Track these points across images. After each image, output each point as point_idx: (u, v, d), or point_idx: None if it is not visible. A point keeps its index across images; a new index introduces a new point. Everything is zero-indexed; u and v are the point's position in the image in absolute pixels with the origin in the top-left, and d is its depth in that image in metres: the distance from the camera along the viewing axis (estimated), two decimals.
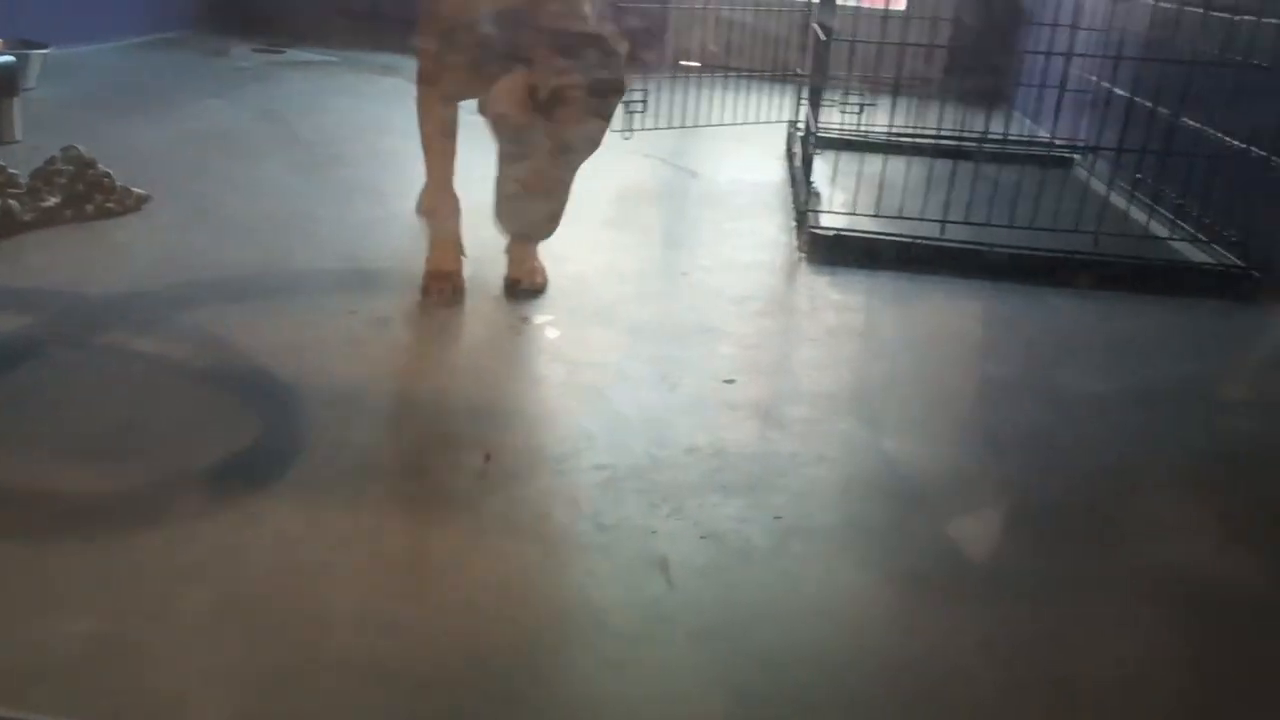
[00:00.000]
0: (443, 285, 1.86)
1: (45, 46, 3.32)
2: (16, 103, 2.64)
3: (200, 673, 0.96)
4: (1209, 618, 1.16)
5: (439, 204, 1.94)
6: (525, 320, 1.82)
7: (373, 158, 2.88)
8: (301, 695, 0.94)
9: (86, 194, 2.13)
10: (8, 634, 0.98)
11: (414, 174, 2.45)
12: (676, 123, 3.47)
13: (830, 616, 1.11)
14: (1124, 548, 1.29)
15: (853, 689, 1.01)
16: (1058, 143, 3.08)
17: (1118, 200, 2.59)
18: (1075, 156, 3.15)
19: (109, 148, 2.48)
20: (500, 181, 1.71)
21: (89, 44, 4.13)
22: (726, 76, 3.68)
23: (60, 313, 1.71)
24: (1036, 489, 1.41)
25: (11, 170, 2.09)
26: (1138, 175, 2.77)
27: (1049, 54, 2.69)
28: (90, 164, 2.16)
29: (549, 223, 1.78)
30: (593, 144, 1.72)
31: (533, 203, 1.72)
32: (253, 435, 1.38)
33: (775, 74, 3.74)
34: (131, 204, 2.18)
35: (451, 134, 1.91)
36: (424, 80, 1.89)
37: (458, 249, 1.92)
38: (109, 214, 2.14)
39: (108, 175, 2.17)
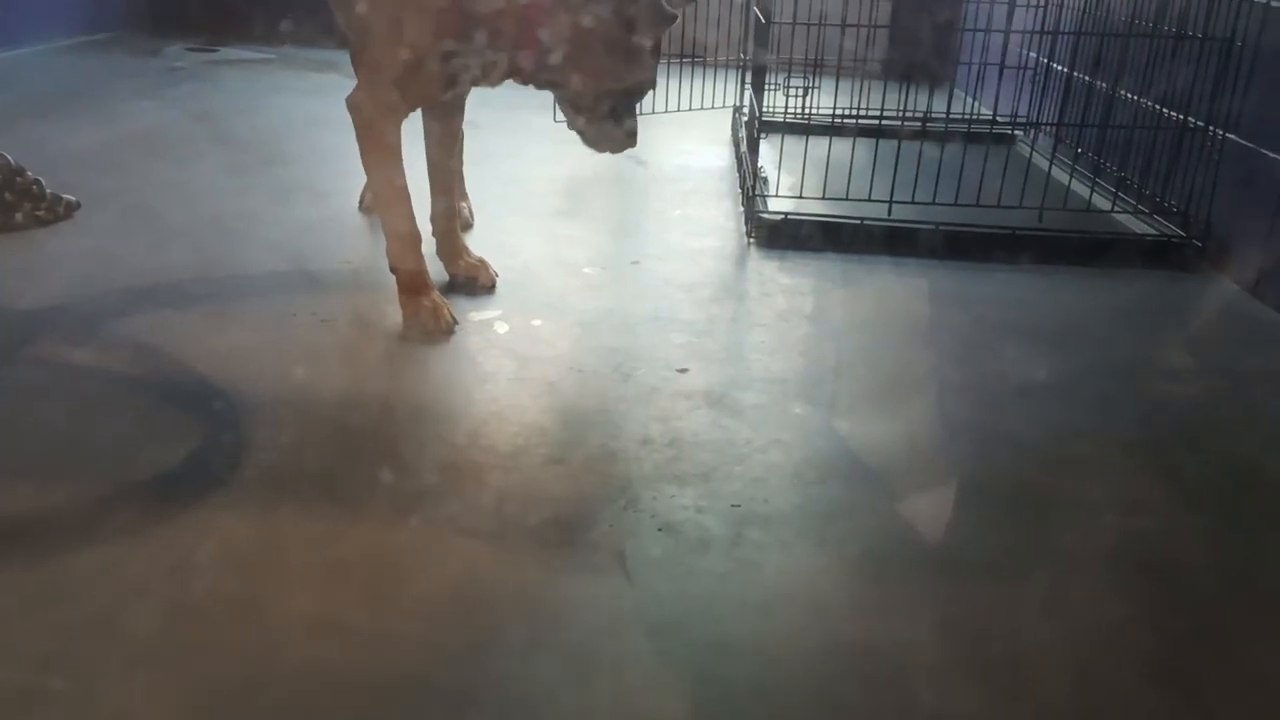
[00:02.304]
0: (425, 299, 1.75)
1: None
2: None
3: (150, 689, 0.93)
4: (1165, 586, 1.17)
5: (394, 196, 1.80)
6: (473, 315, 1.80)
7: (311, 155, 2.83)
8: (256, 708, 0.91)
9: (15, 203, 2.06)
10: None
11: (354, 170, 2.41)
12: None
13: (790, 602, 1.11)
14: (1078, 520, 1.30)
15: (815, 674, 1.00)
16: (999, 119, 3.10)
17: (1060, 175, 2.61)
18: (1017, 133, 3.18)
19: (37, 154, 2.41)
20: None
21: (15, 48, 4.01)
22: (670, 63, 3.66)
23: None
24: (989, 466, 1.42)
25: None
26: (1078, 149, 2.80)
27: (988, 31, 2.70)
28: (19, 172, 2.09)
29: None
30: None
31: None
32: (194, 445, 1.35)
33: (718, 59, 3.73)
34: (62, 211, 2.12)
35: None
36: (379, 93, 1.72)
37: (419, 244, 1.79)
38: (39, 222, 2.08)
39: (37, 182, 2.11)
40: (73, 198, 2.16)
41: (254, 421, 1.41)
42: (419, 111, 1.83)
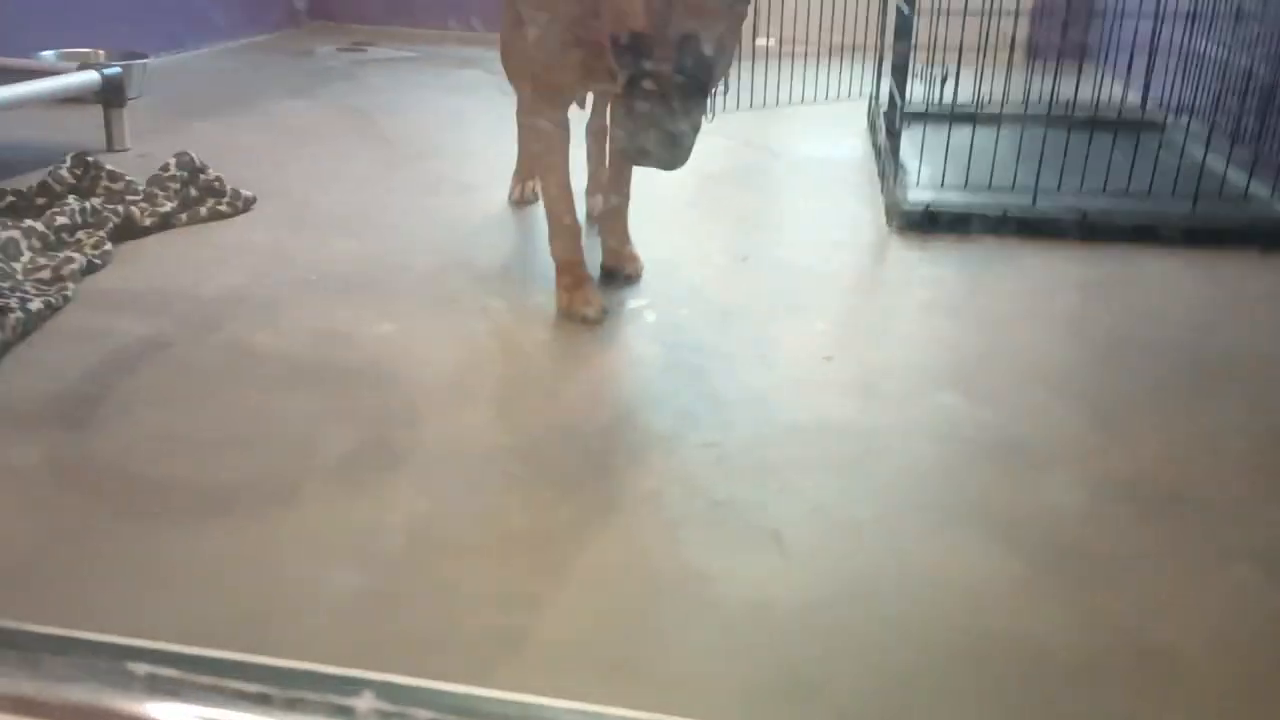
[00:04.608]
0: (580, 288, 1.81)
1: (145, 56, 3.46)
2: (124, 112, 2.76)
3: (349, 646, 1.02)
4: None
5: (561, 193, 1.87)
6: (622, 304, 1.86)
7: (458, 150, 2.94)
8: (442, 666, 1.00)
9: (200, 198, 2.23)
10: (175, 607, 1.06)
11: (500, 164, 2.52)
12: (757, 103, 3.47)
13: (939, 588, 1.13)
14: (1232, 516, 1.28)
15: (966, 658, 1.03)
16: (1150, 106, 3.02)
17: (1215, 162, 2.52)
18: (1169, 119, 3.08)
19: (211, 151, 2.58)
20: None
21: (183, 51, 4.28)
22: (805, 53, 3.67)
23: (182, 313, 1.80)
24: (1140, 458, 1.41)
25: (129, 178, 2.19)
26: (1235, 136, 2.70)
27: (1138, 14, 2.63)
28: (202, 169, 2.26)
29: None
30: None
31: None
32: (372, 424, 1.45)
33: (855, 48, 3.72)
34: (241, 206, 2.28)
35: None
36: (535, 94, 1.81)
37: (579, 236, 1.88)
38: (221, 216, 2.24)
39: (219, 179, 2.27)
40: (250, 193, 2.32)
41: (424, 403, 1.51)
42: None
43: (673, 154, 1.40)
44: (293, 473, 1.32)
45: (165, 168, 2.22)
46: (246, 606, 1.07)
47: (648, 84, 1.37)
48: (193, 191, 2.22)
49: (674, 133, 1.38)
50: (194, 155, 2.26)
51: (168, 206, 2.15)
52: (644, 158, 1.42)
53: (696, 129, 1.40)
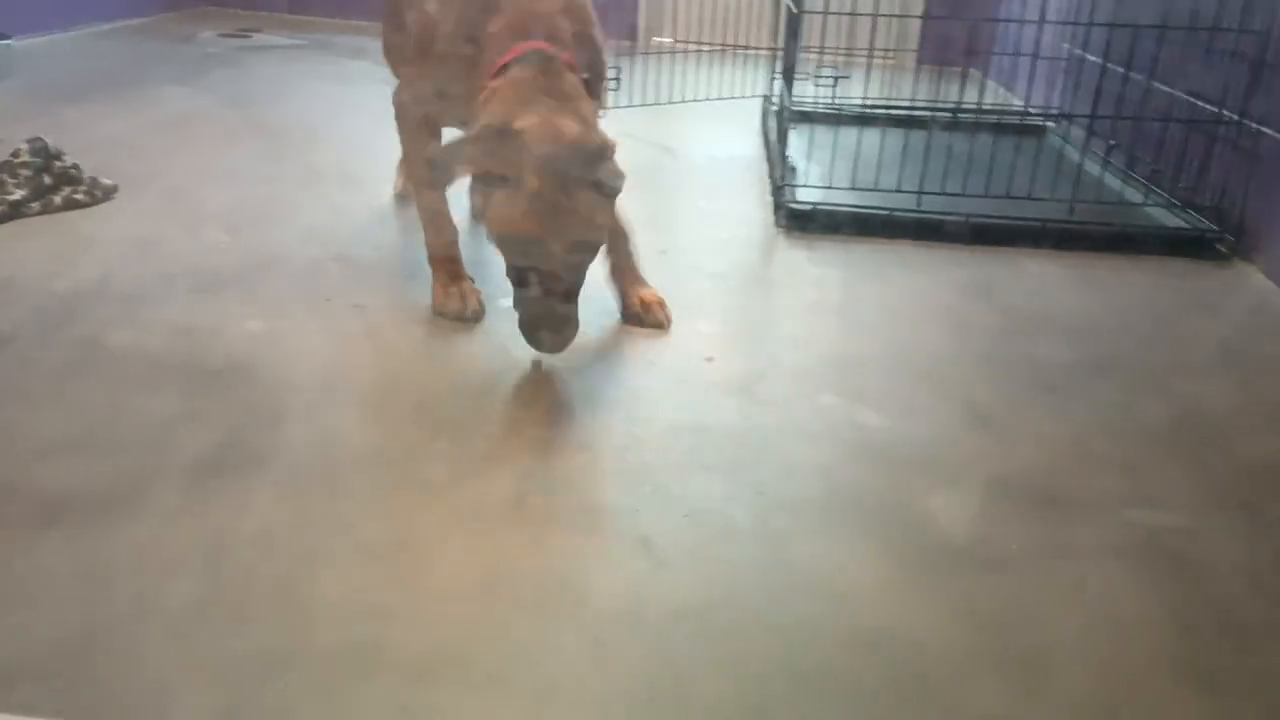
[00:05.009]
0: (455, 285, 1.76)
1: (7, 37, 3.27)
2: None
3: (187, 664, 0.95)
4: (1189, 582, 1.17)
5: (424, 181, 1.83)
6: (502, 302, 1.81)
7: (344, 141, 2.85)
8: (291, 684, 0.94)
9: (54, 186, 2.10)
10: None
11: (387, 156, 2.44)
12: (650, 99, 3.45)
13: (813, 590, 1.12)
14: (1101, 516, 1.30)
15: (836, 660, 1.01)
16: (1031, 111, 3.09)
17: (1091, 167, 2.59)
18: (1049, 124, 3.16)
19: (75, 138, 2.45)
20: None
21: (49, 32, 4.07)
22: (699, 52, 3.67)
23: (31, 308, 1.68)
24: (1013, 459, 1.42)
25: None
26: (1111, 142, 2.77)
27: (1020, 21, 2.68)
28: (57, 155, 2.13)
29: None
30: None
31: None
32: (231, 426, 1.37)
33: (747, 48, 3.73)
34: (100, 195, 2.15)
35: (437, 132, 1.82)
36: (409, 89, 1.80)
37: (449, 229, 1.82)
38: (77, 205, 2.11)
39: (75, 166, 2.14)
40: (110, 181, 2.20)
41: (288, 405, 1.44)
42: None
43: (558, 341, 1.52)
44: (140, 478, 1.24)
45: (16, 153, 2.08)
46: (72, 624, 0.99)
47: (532, 290, 1.51)
48: (46, 179, 2.09)
49: (561, 320, 1.51)
50: (48, 141, 2.13)
51: (17, 195, 2.02)
52: (537, 345, 1.54)
53: (575, 314, 1.53)
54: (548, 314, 1.50)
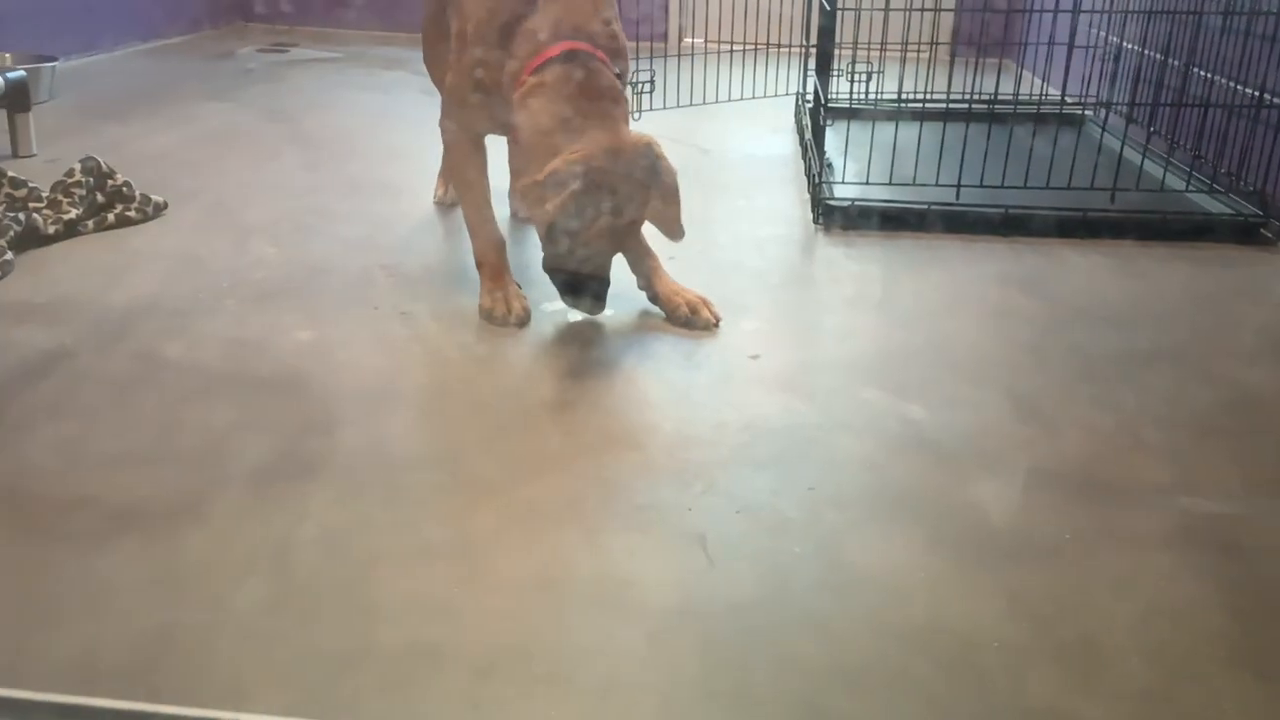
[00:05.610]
0: (500, 290, 1.79)
1: (54, 59, 3.35)
2: (30, 117, 2.66)
3: (260, 663, 0.98)
4: (1238, 568, 1.17)
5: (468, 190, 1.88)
6: (545, 307, 1.83)
7: (383, 151, 2.89)
8: (361, 682, 0.96)
9: (107, 204, 2.15)
10: (69, 633, 1.01)
11: (426, 166, 2.47)
12: (685, 101, 3.47)
13: (866, 584, 1.13)
14: (1153, 503, 1.29)
15: (890, 653, 1.02)
16: (1069, 100, 3.07)
17: (1132, 155, 2.57)
18: (1087, 113, 3.14)
19: (124, 156, 2.51)
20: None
21: (95, 53, 4.16)
22: (732, 52, 3.68)
23: (89, 323, 1.73)
24: (1060, 450, 1.42)
25: (32, 185, 2.11)
26: (1151, 129, 2.75)
27: (1055, 10, 2.67)
28: (109, 174, 2.18)
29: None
30: None
31: None
32: (287, 434, 1.40)
33: (780, 46, 3.73)
34: (151, 211, 2.20)
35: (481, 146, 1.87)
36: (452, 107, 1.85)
37: (495, 236, 1.85)
38: (130, 222, 2.16)
39: (127, 184, 2.19)
40: (161, 198, 2.25)
41: (341, 411, 1.47)
42: None
43: (594, 307, 1.73)
44: (201, 487, 1.27)
45: (70, 173, 2.14)
46: (145, 630, 1.03)
47: (568, 278, 1.69)
48: (99, 198, 2.14)
49: (594, 298, 1.70)
50: (100, 160, 2.18)
51: (73, 214, 2.07)
52: (579, 309, 1.75)
53: (607, 286, 1.72)
54: (588, 289, 1.68)
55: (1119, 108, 2.96)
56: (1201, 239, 2.24)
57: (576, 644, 1.03)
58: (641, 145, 1.60)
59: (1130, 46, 2.94)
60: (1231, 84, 2.42)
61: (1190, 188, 2.43)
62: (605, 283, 1.70)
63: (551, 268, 1.70)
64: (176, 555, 1.14)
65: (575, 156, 1.55)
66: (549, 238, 1.63)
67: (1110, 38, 3.07)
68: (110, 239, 2.11)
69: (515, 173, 1.68)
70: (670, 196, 1.67)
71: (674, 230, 1.71)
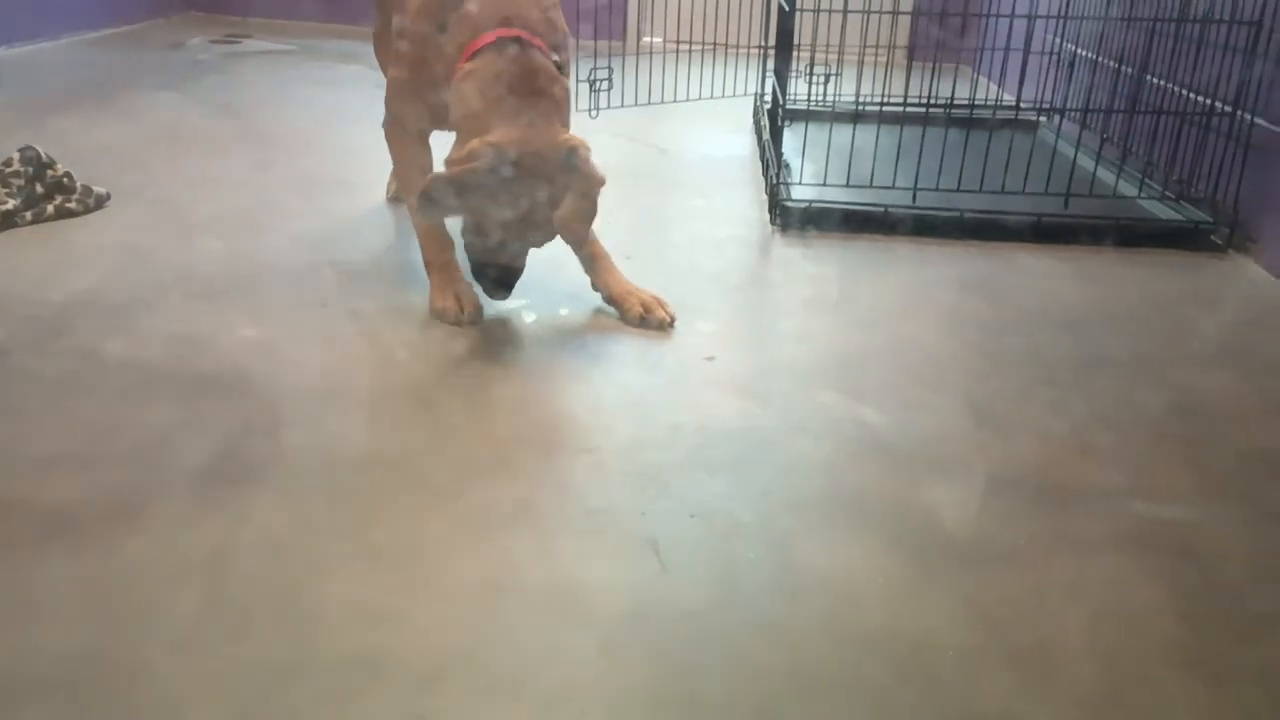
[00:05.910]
0: (450, 288, 1.77)
1: None
2: None
3: (194, 675, 0.95)
4: (1192, 573, 1.17)
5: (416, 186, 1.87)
6: (499, 305, 1.81)
7: (336, 147, 2.84)
8: (300, 693, 0.93)
9: (46, 195, 2.09)
10: None
11: (379, 162, 2.43)
12: (642, 100, 3.45)
13: (820, 588, 1.12)
14: (1106, 507, 1.30)
15: (844, 658, 1.01)
16: (1023, 106, 3.09)
17: (1085, 161, 2.60)
18: (1041, 119, 3.16)
19: (66, 147, 2.44)
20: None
21: (37, 41, 4.05)
22: (690, 51, 3.67)
23: (24, 319, 1.67)
24: (1017, 452, 1.42)
25: None
26: (1104, 135, 2.78)
27: (1011, 15, 2.69)
28: (49, 164, 2.12)
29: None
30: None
31: None
32: (229, 435, 1.36)
33: (740, 46, 3.73)
34: (93, 204, 2.14)
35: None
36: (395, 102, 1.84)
37: (443, 234, 1.82)
38: (70, 214, 2.10)
39: (68, 175, 2.13)
40: (103, 190, 2.19)
41: (287, 411, 1.43)
42: None
43: (496, 293, 1.72)
44: (140, 489, 1.23)
45: (8, 162, 2.07)
46: (77, 638, 0.98)
47: (490, 270, 1.69)
48: (38, 188, 2.07)
49: (497, 283, 1.70)
50: (40, 150, 2.12)
51: (9, 205, 2.01)
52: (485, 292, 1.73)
53: (515, 275, 1.72)
54: (494, 274, 1.68)
55: (1073, 114, 2.99)
56: (1154, 245, 2.27)
57: (526, 651, 1.00)
58: (563, 143, 1.57)
59: (1084, 54, 2.97)
60: (1184, 92, 2.45)
61: (1142, 194, 2.45)
62: (514, 272, 1.68)
63: (468, 250, 1.68)
64: (110, 562, 1.10)
65: (492, 139, 1.53)
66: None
67: (1065, 44, 3.09)
68: (49, 231, 2.05)
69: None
70: (583, 199, 1.59)
71: (576, 231, 1.64)
